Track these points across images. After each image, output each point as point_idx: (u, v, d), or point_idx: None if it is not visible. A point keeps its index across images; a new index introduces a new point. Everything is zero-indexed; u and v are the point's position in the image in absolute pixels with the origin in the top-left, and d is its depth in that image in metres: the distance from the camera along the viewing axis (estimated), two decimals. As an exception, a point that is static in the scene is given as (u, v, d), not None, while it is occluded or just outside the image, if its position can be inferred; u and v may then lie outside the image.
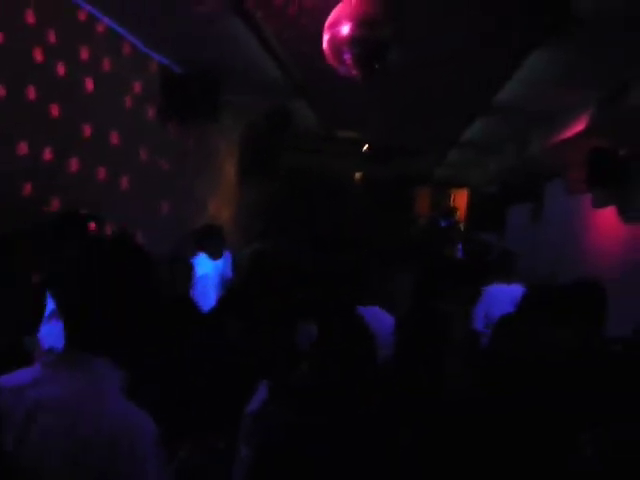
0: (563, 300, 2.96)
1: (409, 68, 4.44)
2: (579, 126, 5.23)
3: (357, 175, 12.95)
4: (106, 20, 4.24)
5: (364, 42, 2.91)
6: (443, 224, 12.54)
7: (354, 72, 3.01)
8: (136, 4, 3.96)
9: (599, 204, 5.97)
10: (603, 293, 3.34)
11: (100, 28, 4.23)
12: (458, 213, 14.05)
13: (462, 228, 12.98)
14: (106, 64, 4.36)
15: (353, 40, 2.90)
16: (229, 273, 5.64)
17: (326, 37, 3.00)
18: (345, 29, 2.92)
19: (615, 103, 4.43)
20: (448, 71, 4.81)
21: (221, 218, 7.24)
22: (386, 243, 8.49)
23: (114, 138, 4.57)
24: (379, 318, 3.29)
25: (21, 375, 1.47)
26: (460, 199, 14.25)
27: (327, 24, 2.99)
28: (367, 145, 9.54)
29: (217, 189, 7.23)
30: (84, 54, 4.07)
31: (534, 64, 4.24)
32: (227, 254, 5.67)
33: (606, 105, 4.66)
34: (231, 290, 4.28)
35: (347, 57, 2.95)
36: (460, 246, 10.53)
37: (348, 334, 2.19)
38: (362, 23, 2.91)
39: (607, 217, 5.75)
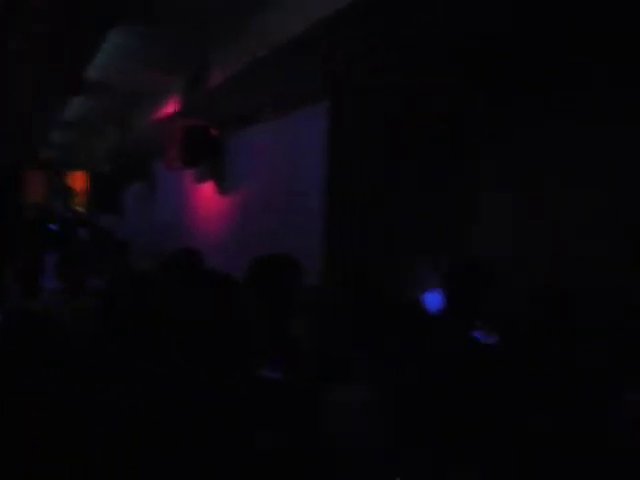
0: None
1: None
2: (172, 107, 5.45)
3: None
4: None
5: None
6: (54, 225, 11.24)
7: None
8: None
9: (200, 179, 6.37)
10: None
11: None
12: (77, 197, 13.49)
13: (82, 211, 12.52)
14: None
15: None
16: None
17: None
18: None
19: (199, 85, 4.72)
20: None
21: None
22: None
23: None
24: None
25: None
26: (78, 181, 13.64)
27: None
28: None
29: None
30: None
31: (118, 42, 4.24)
32: None
33: (192, 86, 4.93)
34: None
35: None
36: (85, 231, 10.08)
37: None
38: None
39: (207, 190, 6.19)
